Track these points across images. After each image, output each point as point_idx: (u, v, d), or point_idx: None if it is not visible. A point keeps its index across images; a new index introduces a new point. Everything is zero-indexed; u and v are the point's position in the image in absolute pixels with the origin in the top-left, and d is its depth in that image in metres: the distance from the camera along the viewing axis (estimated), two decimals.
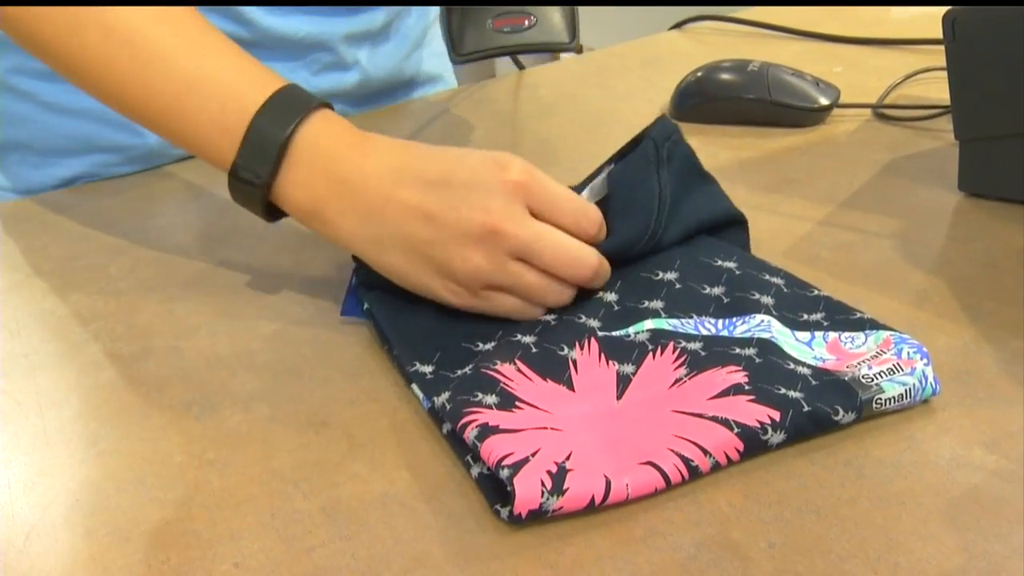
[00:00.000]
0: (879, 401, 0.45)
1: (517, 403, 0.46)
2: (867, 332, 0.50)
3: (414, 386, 0.49)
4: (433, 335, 0.52)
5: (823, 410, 0.45)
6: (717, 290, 0.54)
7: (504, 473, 0.41)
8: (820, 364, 0.48)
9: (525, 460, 0.42)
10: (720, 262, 0.56)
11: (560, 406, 0.46)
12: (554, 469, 0.41)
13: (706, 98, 0.81)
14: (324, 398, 0.50)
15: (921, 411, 0.47)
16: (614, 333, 0.51)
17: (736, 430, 0.44)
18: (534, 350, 0.50)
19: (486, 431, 0.44)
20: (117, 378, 0.53)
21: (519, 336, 0.51)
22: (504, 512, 0.41)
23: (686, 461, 0.43)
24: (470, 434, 0.44)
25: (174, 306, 0.59)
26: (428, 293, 0.53)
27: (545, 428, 0.44)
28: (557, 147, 0.78)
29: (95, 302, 0.60)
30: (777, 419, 0.44)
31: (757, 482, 0.43)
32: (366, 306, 0.55)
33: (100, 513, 0.44)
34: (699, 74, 0.82)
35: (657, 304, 0.53)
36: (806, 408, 0.45)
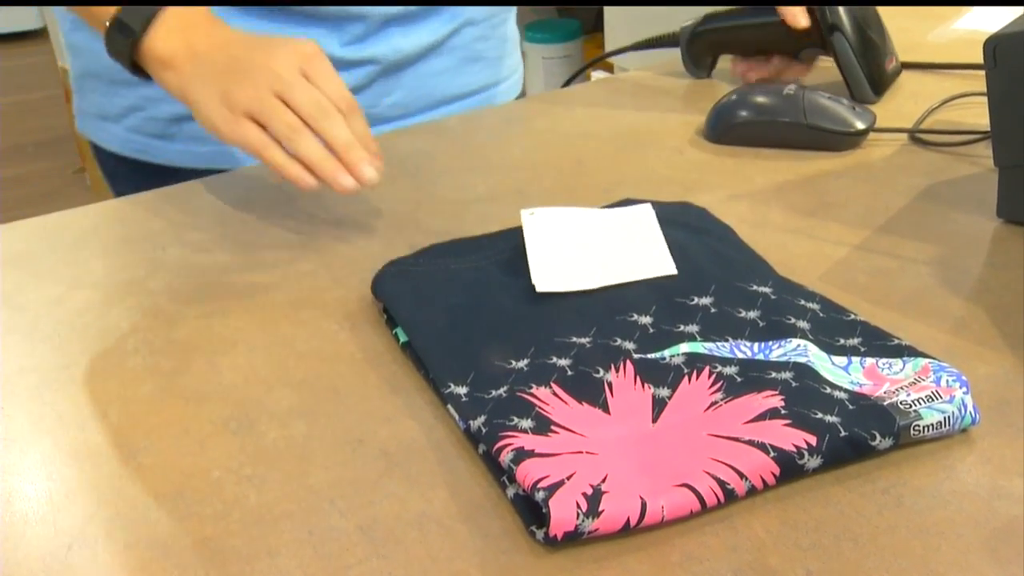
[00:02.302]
0: (917, 428, 0.45)
1: (553, 427, 0.46)
2: (905, 359, 0.50)
3: (450, 407, 0.50)
4: (466, 353, 0.52)
5: (860, 435, 0.45)
6: (752, 314, 0.54)
7: (540, 495, 0.41)
8: (857, 389, 0.48)
9: (560, 483, 0.42)
10: (755, 287, 0.56)
11: (595, 429, 0.46)
12: (589, 491, 0.42)
13: (741, 120, 0.81)
14: (361, 415, 0.51)
15: (961, 440, 0.46)
16: (649, 356, 0.51)
17: (772, 454, 0.44)
18: (569, 373, 0.50)
19: (521, 455, 0.44)
20: (156, 392, 0.54)
21: (554, 359, 0.51)
22: (540, 534, 0.41)
23: (722, 484, 0.43)
24: (506, 457, 0.44)
25: (212, 321, 0.60)
26: (209, 122, 0.67)
27: (581, 452, 0.45)
28: (591, 167, 0.78)
29: (134, 316, 0.61)
30: (814, 444, 0.44)
31: (794, 508, 0.43)
32: (396, 331, 0.56)
33: (140, 527, 0.44)
34: (734, 96, 0.82)
35: (692, 328, 0.53)
36: (843, 433, 0.44)
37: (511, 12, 0.96)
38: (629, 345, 0.52)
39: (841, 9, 0.87)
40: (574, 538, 0.41)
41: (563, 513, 0.41)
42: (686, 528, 0.42)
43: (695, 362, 0.50)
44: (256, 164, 0.83)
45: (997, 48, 0.62)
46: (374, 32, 0.85)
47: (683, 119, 0.87)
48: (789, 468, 0.44)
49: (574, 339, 0.53)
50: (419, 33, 0.87)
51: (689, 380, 0.49)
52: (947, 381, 0.47)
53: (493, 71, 0.95)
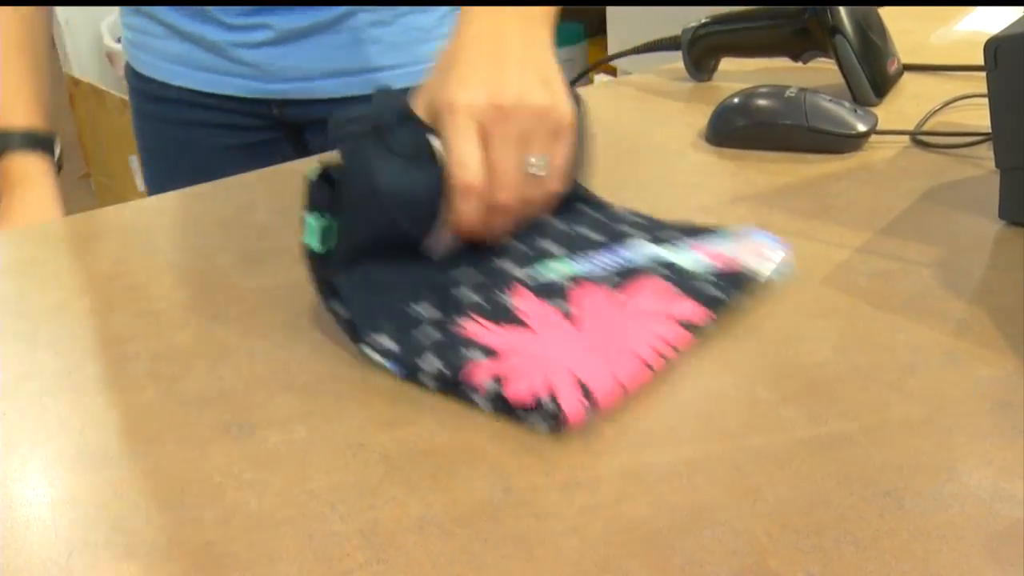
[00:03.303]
0: (760, 282, 0.58)
1: (499, 352, 0.52)
2: (729, 236, 0.62)
3: (388, 363, 0.54)
4: (385, 308, 0.56)
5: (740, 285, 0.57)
6: (597, 236, 0.63)
7: (550, 407, 0.47)
8: (714, 266, 0.59)
9: (552, 389, 0.48)
10: (588, 211, 0.66)
11: (534, 344, 0.52)
12: (578, 387, 0.49)
13: (743, 123, 0.81)
14: (361, 420, 0.51)
15: (962, 442, 0.46)
16: (535, 279, 0.58)
17: (700, 298, 0.55)
18: (484, 304, 0.55)
19: (499, 381, 0.50)
20: (157, 398, 0.54)
21: (455, 292, 0.56)
22: (545, 427, 0.48)
23: (668, 342, 0.52)
24: (487, 387, 0.49)
25: (214, 326, 0.60)
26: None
27: (541, 360, 0.51)
28: (593, 170, 0.78)
29: (135, 322, 0.61)
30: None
31: (795, 512, 0.43)
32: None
33: (141, 532, 0.44)
34: (736, 99, 0.82)
35: (553, 246, 0.61)
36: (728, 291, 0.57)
37: (430, 8, 0.99)
38: (509, 265, 0.59)
39: (843, 11, 0.87)
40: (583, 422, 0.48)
41: (573, 410, 0.47)
42: (687, 532, 0.42)
43: (576, 277, 0.57)
44: (258, 170, 0.83)
45: (998, 50, 0.62)
46: (268, 11, 0.93)
47: (685, 122, 0.87)
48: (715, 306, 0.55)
49: (467, 272, 0.58)
50: (311, 12, 0.93)
51: (581, 292, 0.56)
52: (768, 245, 0.61)
53: (388, 55, 0.97)
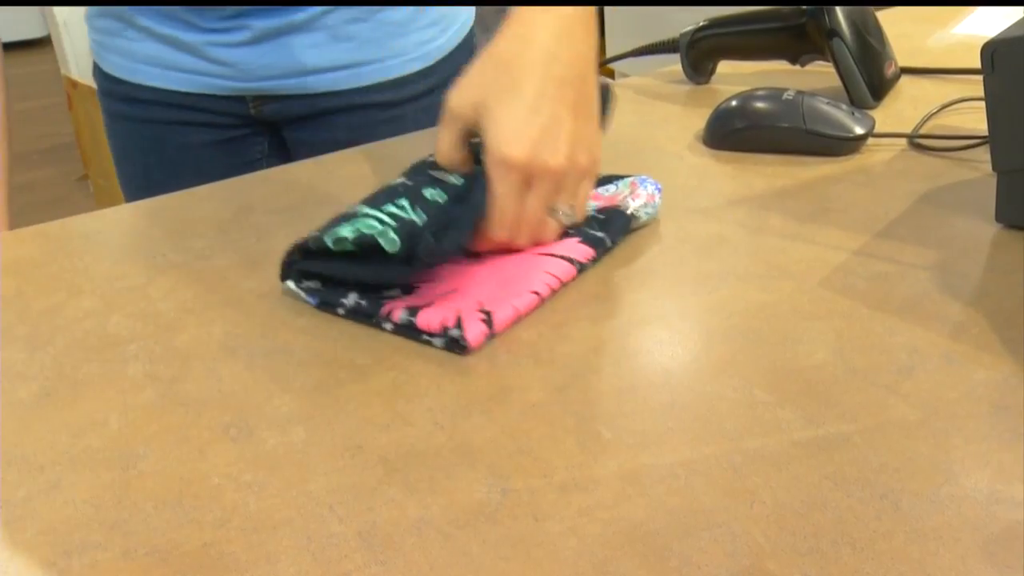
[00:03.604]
0: (637, 224, 0.68)
1: (419, 288, 0.60)
2: (615, 182, 0.70)
3: (307, 297, 0.61)
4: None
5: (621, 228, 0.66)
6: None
7: (454, 333, 0.55)
8: (597, 206, 0.68)
9: (459, 318, 0.56)
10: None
11: (449, 279, 0.61)
12: (482, 315, 0.56)
13: (741, 126, 0.81)
14: (360, 422, 0.51)
15: (959, 444, 0.46)
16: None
17: (586, 238, 0.64)
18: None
19: (413, 312, 0.57)
20: (156, 399, 0.54)
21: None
22: (446, 348, 0.56)
23: (556, 276, 0.61)
24: (400, 316, 0.57)
25: (212, 328, 0.60)
26: None
27: (451, 294, 0.59)
28: None
29: (135, 323, 0.61)
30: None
31: (792, 514, 0.43)
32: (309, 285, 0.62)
33: (139, 533, 0.44)
34: (734, 102, 0.82)
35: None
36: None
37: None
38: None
39: (840, 14, 0.87)
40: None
41: (476, 336, 0.55)
42: (684, 534, 0.42)
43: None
44: (253, 174, 0.83)
45: (995, 53, 0.62)
46: (246, 14, 0.93)
47: (683, 125, 0.87)
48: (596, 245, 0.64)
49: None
50: (288, 13, 0.94)
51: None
52: (651, 190, 0.69)
53: (365, 51, 0.97)
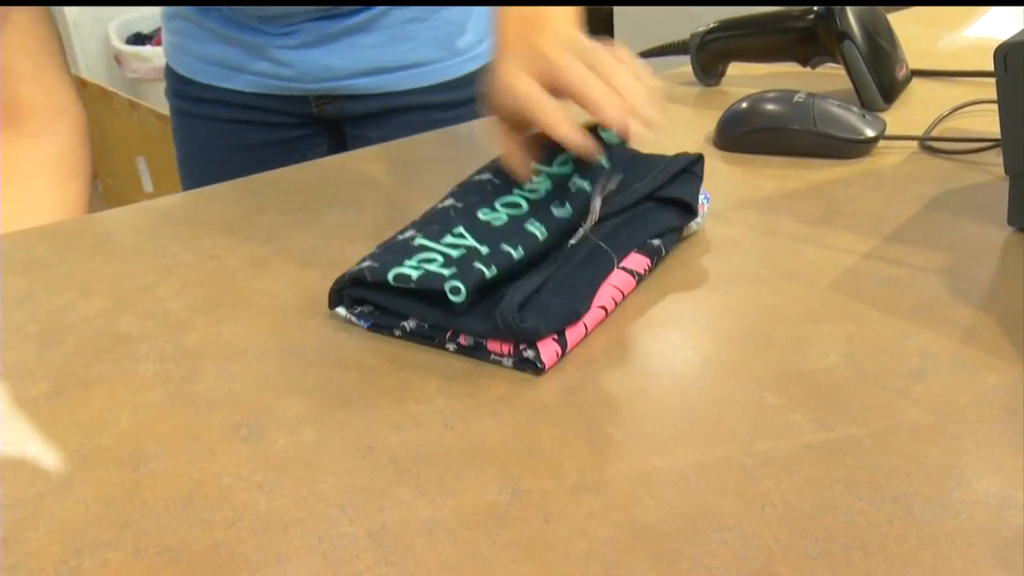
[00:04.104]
0: (688, 233, 0.68)
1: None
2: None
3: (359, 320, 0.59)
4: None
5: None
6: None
7: (529, 355, 0.53)
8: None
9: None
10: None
11: None
12: (554, 336, 0.54)
13: (751, 128, 0.81)
14: (370, 423, 0.51)
15: (971, 449, 0.46)
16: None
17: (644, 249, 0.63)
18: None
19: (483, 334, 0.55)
20: (166, 399, 0.54)
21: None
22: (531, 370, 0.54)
23: (619, 288, 0.59)
24: (468, 340, 0.55)
25: (222, 328, 0.60)
26: None
27: None
28: None
29: (145, 323, 0.61)
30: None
31: (803, 517, 0.43)
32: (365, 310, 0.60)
33: (150, 533, 0.44)
34: (744, 104, 0.82)
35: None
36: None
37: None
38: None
39: (851, 16, 0.87)
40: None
41: (550, 356, 0.54)
42: (695, 536, 0.42)
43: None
44: (264, 172, 0.83)
45: (1008, 56, 0.61)
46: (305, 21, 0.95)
47: (692, 126, 0.87)
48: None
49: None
50: (343, 19, 0.95)
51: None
52: (701, 199, 0.66)
53: (427, 50, 0.98)
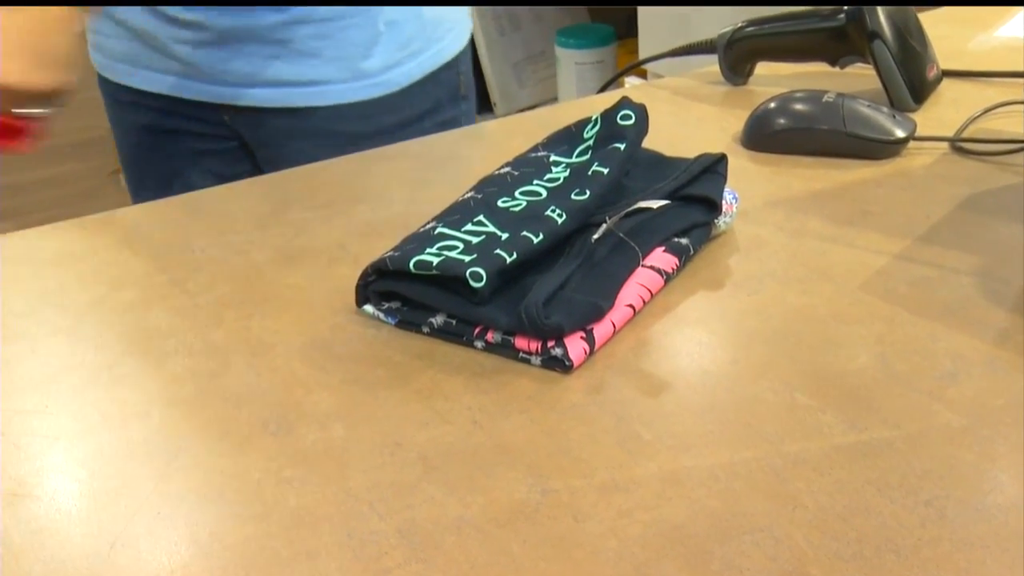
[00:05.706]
0: (716, 232, 0.67)
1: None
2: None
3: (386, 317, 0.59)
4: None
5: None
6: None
7: (557, 352, 0.53)
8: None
9: (560, 337, 0.54)
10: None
11: None
12: (583, 334, 0.54)
13: (779, 128, 0.80)
14: (399, 419, 0.51)
15: (1004, 452, 0.46)
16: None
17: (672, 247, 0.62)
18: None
19: (510, 331, 0.55)
20: (196, 393, 0.54)
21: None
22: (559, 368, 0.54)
23: (647, 287, 0.59)
24: (495, 337, 0.55)
25: (250, 323, 0.60)
26: None
27: None
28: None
29: (174, 318, 0.62)
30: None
31: (835, 519, 0.43)
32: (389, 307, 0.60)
33: (182, 527, 0.44)
34: (773, 104, 0.82)
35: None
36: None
37: (375, 17, 0.97)
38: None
39: (882, 16, 0.86)
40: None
41: (578, 354, 0.54)
42: (725, 537, 0.42)
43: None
44: (293, 168, 0.84)
45: None
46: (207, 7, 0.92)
47: (720, 126, 0.86)
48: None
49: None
50: (245, 15, 0.93)
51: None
52: (729, 199, 0.66)
53: (329, 69, 0.96)
